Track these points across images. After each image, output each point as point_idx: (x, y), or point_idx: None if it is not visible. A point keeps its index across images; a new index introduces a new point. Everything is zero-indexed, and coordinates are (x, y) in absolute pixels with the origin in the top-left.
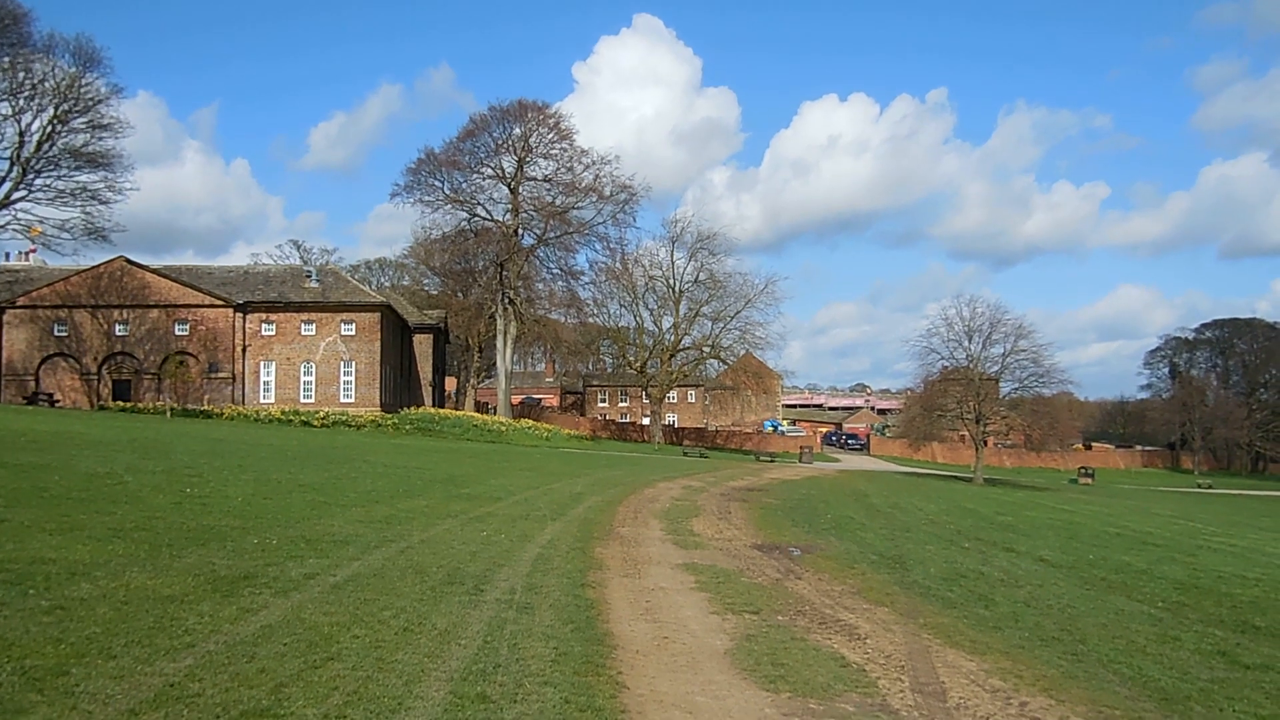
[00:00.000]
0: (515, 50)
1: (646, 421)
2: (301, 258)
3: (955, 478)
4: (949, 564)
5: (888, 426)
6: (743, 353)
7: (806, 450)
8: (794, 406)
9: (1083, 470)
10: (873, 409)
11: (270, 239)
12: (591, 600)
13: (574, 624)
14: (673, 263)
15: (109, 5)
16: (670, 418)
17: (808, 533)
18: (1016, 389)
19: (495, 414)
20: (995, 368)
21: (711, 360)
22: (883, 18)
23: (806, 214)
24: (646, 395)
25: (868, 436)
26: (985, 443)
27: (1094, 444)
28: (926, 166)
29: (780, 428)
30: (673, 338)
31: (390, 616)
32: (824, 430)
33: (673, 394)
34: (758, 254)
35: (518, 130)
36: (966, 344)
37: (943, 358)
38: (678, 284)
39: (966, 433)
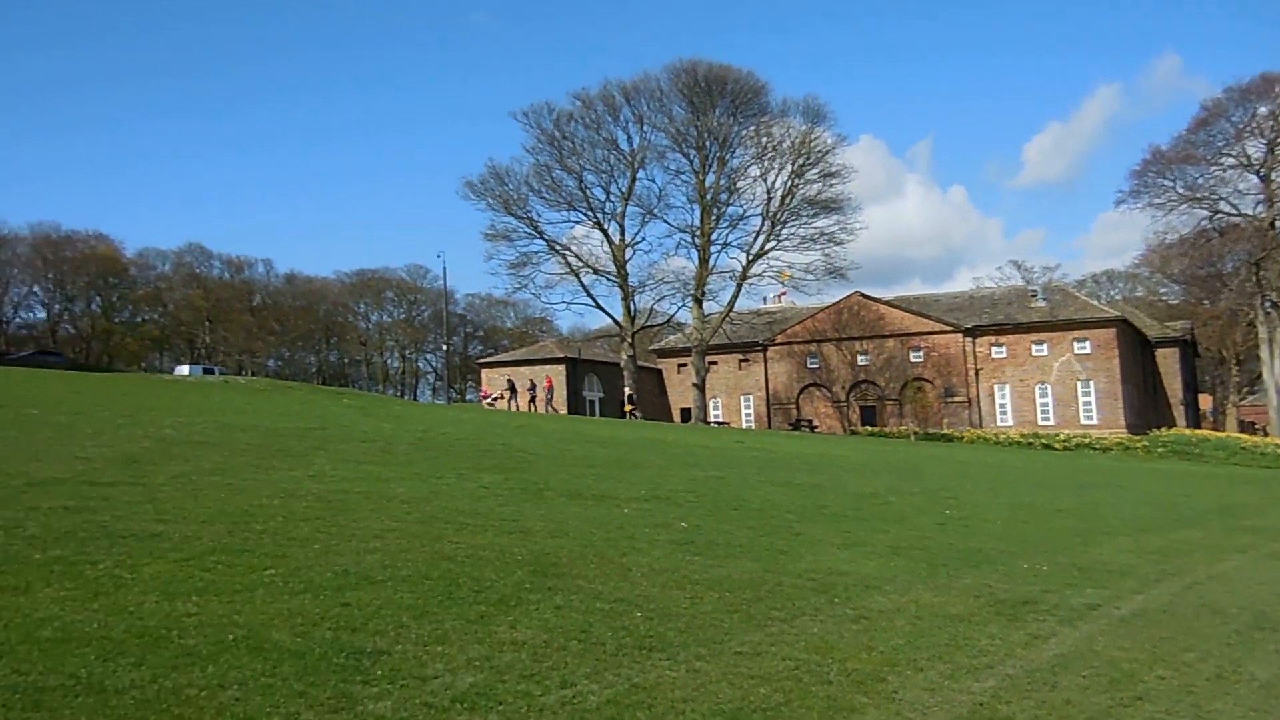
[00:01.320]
0: (1253, 23)
1: None
2: (1023, 277)
3: None
4: None
5: None
6: None
7: None
8: None
9: None
10: None
11: (990, 261)
12: None
13: None
14: None
15: (831, 64)
16: None
17: None
18: None
19: (1266, 434)
20: None
21: None
22: None
23: None
24: None
25: None
26: None
27: None
28: None
29: None
30: None
31: (1195, 659)
32: None
33: None
34: None
35: (1264, 109)
36: None
37: None
38: None
39: None
